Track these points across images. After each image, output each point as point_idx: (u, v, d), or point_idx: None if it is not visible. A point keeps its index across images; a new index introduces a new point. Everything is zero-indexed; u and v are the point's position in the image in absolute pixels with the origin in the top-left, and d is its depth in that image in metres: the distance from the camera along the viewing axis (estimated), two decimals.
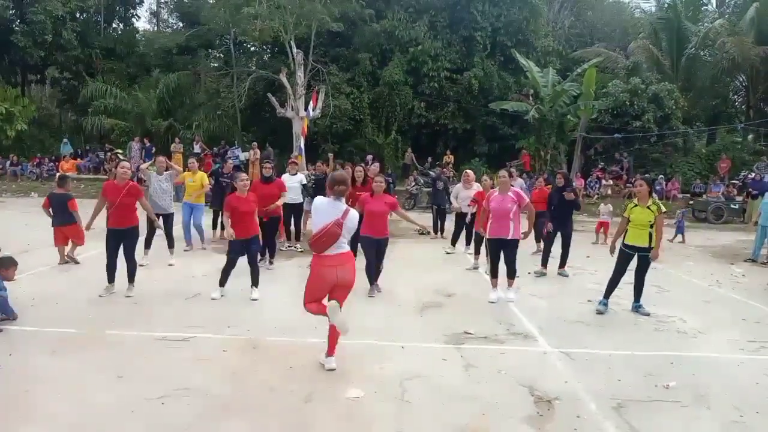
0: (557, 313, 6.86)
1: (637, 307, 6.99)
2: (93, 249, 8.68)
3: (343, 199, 4.76)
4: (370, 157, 22.31)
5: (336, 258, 4.65)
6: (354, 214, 4.77)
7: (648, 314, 6.85)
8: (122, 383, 4.45)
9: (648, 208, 6.70)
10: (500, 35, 25.45)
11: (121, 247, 6.96)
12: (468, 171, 10.71)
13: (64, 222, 8.73)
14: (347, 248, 4.77)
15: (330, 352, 4.83)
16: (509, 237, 7.04)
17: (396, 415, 4.07)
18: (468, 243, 10.45)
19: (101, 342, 5.34)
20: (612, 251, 7.13)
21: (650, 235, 6.71)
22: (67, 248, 8.83)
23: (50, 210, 8.80)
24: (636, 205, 6.81)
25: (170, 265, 8.83)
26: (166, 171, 9.33)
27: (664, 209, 6.80)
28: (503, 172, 7.37)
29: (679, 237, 13.51)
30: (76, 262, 8.78)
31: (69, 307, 6.43)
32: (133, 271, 7.06)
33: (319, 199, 4.80)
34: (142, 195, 7.26)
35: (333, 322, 4.64)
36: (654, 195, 6.84)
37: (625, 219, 6.91)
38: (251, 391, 4.39)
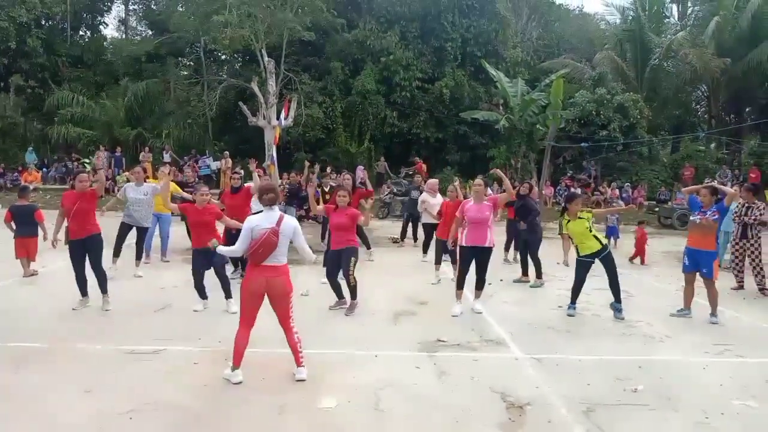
0: (528, 319, 6.95)
1: (616, 308, 7.10)
2: (60, 261, 8.47)
3: (276, 208, 4.82)
4: (360, 168, 22.30)
5: (269, 269, 4.67)
6: (289, 219, 4.81)
7: (622, 318, 6.99)
8: (90, 398, 4.35)
9: (579, 217, 7.07)
10: (470, 46, 25.81)
11: (87, 258, 6.77)
12: (433, 180, 10.94)
13: (28, 234, 8.53)
14: (284, 261, 4.77)
15: (297, 362, 4.81)
16: (486, 244, 7.01)
17: (370, 425, 4.07)
18: (425, 252, 10.70)
19: (68, 356, 5.22)
20: (566, 264, 7.38)
21: (595, 237, 7.04)
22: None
23: (12, 224, 8.58)
24: (569, 221, 7.14)
25: (138, 276, 8.68)
26: (146, 182, 9.14)
27: (589, 209, 7.28)
28: (478, 181, 7.31)
29: (612, 242, 13.60)
30: (34, 273, 8.59)
31: (34, 321, 6.26)
32: (104, 282, 6.84)
33: (254, 218, 4.84)
34: (98, 197, 6.95)
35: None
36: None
37: (566, 236, 7.23)
38: (223, 404, 4.34)
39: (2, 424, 3.93)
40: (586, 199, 20.80)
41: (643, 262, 11.59)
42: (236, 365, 4.69)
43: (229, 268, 7.68)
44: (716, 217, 6.95)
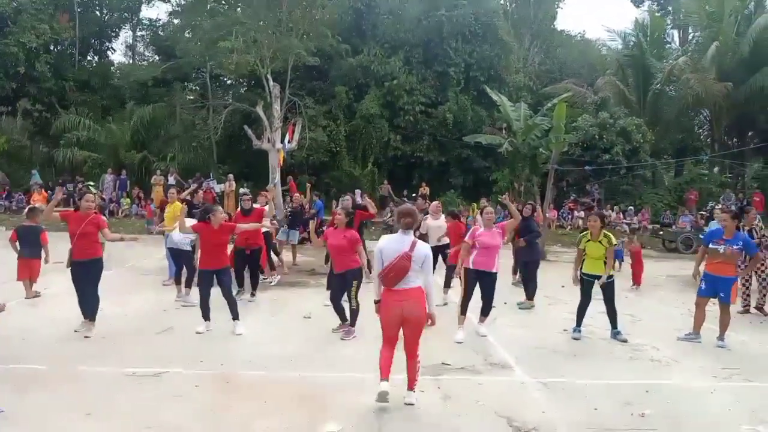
0: (534, 342, 6.89)
1: (615, 334, 7.14)
2: (61, 284, 8.46)
3: (411, 232, 4.80)
4: (358, 192, 22.09)
5: (403, 293, 4.68)
6: (422, 245, 4.78)
7: (625, 340, 6.97)
8: (91, 421, 4.31)
9: (599, 242, 7.06)
10: (473, 71, 26.08)
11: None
12: (435, 202, 11.16)
13: (32, 255, 8.53)
14: (418, 283, 4.73)
15: (410, 386, 4.83)
16: (493, 270, 7.04)
17: None
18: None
19: (70, 379, 5.18)
20: (575, 281, 7.37)
21: (605, 263, 7.10)
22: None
23: (17, 244, 8.59)
24: (589, 240, 7.15)
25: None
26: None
27: (614, 241, 7.17)
28: (490, 209, 7.42)
29: (618, 265, 13.56)
30: (37, 295, 8.55)
31: (37, 344, 6.23)
32: (95, 308, 6.70)
33: (383, 239, 4.87)
34: (105, 226, 6.89)
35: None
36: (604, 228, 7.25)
37: (580, 251, 7.27)
38: (225, 428, 4.29)
39: None
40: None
41: (637, 282, 11.43)
42: (383, 377, 4.70)
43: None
44: (740, 248, 6.94)
